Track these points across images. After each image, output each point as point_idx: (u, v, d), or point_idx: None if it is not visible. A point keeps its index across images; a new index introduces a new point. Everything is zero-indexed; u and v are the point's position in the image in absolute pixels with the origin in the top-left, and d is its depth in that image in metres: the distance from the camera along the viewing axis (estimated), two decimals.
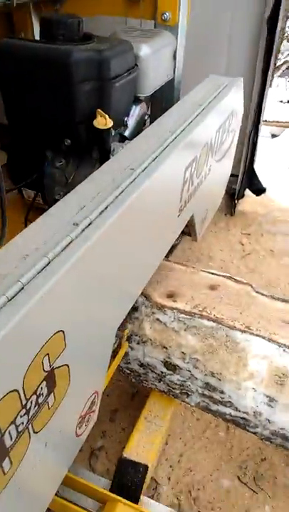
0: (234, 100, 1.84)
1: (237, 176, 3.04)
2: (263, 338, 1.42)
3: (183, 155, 1.32)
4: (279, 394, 1.35)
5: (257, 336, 1.42)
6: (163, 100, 1.89)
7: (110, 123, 1.24)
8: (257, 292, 1.61)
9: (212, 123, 1.56)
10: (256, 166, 3.20)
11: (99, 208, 0.93)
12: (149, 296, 1.56)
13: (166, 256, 1.70)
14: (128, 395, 2.06)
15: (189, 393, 1.53)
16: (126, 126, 1.53)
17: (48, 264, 0.78)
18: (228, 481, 1.78)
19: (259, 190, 3.22)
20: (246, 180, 3.11)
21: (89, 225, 0.89)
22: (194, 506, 1.69)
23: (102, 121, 1.22)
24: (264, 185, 3.20)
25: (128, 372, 1.64)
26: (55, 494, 1.34)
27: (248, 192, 3.15)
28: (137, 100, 1.62)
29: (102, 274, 0.96)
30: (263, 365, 1.38)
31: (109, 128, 1.27)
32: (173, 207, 1.39)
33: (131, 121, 1.55)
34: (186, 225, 1.83)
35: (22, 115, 1.39)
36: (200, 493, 1.74)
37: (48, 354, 0.78)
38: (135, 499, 1.43)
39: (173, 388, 1.56)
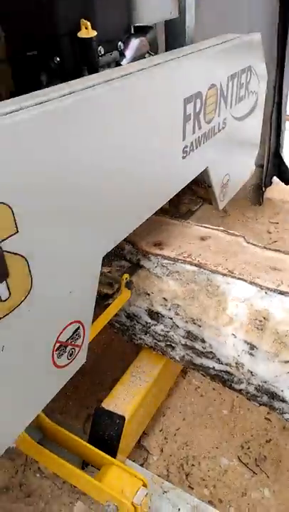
0: (249, 54, 1.79)
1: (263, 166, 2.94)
2: (245, 281, 1.31)
3: (180, 80, 1.27)
4: (259, 340, 1.23)
5: (238, 279, 1.32)
6: (169, 48, 1.84)
7: (93, 32, 1.24)
8: (248, 243, 1.51)
9: (218, 64, 1.51)
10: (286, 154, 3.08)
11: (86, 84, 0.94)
12: (136, 244, 1.54)
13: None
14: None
15: (173, 345, 1.45)
16: (123, 55, 1.49)
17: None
18: (227, 460, 1.63)
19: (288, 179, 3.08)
20: (273, 167, 3.00)
21: (70, 93, 0.88)
22: (185, 481, 1.56)
23: (85, 31, 1.25)
24: None
25: (118, 326, 1.61)
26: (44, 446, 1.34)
27: (276, 180, 3.02)
28: (136, 33, 1.60)
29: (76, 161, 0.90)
30: (243, 309, 1.27)
31: (92, 37, 1.26)
32: (174, 139, 1.32)
33: (129, 52, 1.51)
34: (205, 188, 1.80)
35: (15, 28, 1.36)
36: (194, 469, 1.60)
37: None
38: (112, 450, 1.36)
39: (158, 341, 1.49)
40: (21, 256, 0.80)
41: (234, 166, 2.00)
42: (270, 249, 1.47)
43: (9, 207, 0.74)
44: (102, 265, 1.11)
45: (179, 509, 1.43)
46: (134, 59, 1.58)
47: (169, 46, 1.83)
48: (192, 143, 1.43)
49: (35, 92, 0.89)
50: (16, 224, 0.76)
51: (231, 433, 1.72)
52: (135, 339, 1.60)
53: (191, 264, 1.41)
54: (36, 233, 0.83)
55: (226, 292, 1.32)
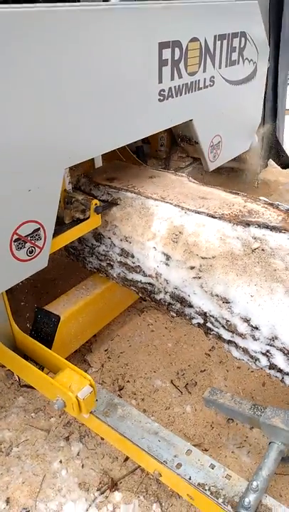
0: (243, 21, 1.86)
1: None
2: (171, 204, 1.48)
3: (156, 24, 1.37)
4: (173, 251, 1.39)
5: (166, 202, 1.49)
6: None
7: None
8: (190, 181, 1.67)
9: (202, 21, 1.60)
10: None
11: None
12: (92, 177, 1.74)
13: None
14: None
15: (112, 263, 1.63)
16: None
17: None
18: (161, 382, 1.78)
19: (286, 164, 3.16)
20: (269, 151, 3.09)
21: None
22: (116, 392, 1.73)
23: None
24: None
25: (72, 251, 1.81)
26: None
27: (271, 162, 3.12)
28: None
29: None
30: (164, 225, 1.43)
31: None
32: (149, 78, 1.41)
33: None
34: (193, 145, 1.88)
35: None
36: (128, 385, 1.77)
37: None
38: (48, 345, 1.56)
39: (101, 261, 1.68)
40: None
41: (228, 130, 2.05)
42: (206, 185, 1.63)
43: None
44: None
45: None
46: None
47: None
48: (171, 89, 1.52)
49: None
50: None
51: (171, 362, 1.87)
52: (86, 263, 1.79)
53: (131, 192, 1.60)
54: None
55: (154, 213, 1.49)
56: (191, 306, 1.39)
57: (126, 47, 1.29)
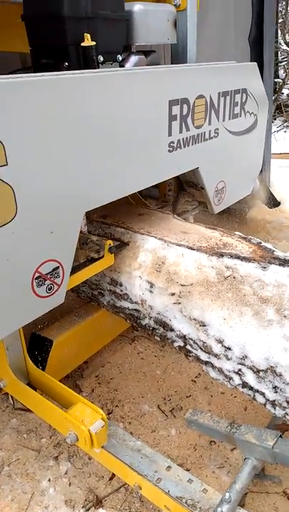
0: (244, 78, 2.07)
1: None
2: (155, 237, 1.64)
3: (166, 85, 1.53)
4: (156, 279, 1.53)
5: (151, 236, 1.65)
6: None
7: (92, 42, 1.58)
8: (174, 218, 1.85)
9: (207, 80, 1.79)
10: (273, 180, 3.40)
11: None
12: (87, 215, 1.92)
13: None
14: None
15: (102, 292, 1.77)
16: (122, 67, 1.81)
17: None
18: (148, 407, 1.86)
19: (273, 204, 3.37)
20: (258, 192, 3.31)
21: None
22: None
23: (87, 42, 1.58)
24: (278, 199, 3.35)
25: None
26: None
27: (259, 202, 3.33)
28: (138, 52, 1.91)
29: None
30: (149, 256, 1.59)
31: (92, 46, 1.58)
32: (160, 132, 1.55)
33: (128, 66, 1.83)
34: (200, 190, 2.06)
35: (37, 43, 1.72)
36: (116, 409, 1.85)
37: None
38: (42, 366, 1.67)
39: (93, 289, 1.82)
40: (8, 185, 1.03)
41: (231, 176, 2.20)
42: (189, 222, 1.80)
43: (1, 143, 0.99)
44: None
45: None
46: None
47: None
48: (179, 141, 1.67)
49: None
50: (5, 157, 1.01)
51: (158, 388, 1.96)
52: (80, 292, 1.93)
53: (121, 227, 1.77)
54: (24, 170, 1.06)
55: (140, 246, 1.65)
56: (172, 329, 1.51)
57: (140, 105, 1.45)
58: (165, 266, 1.54)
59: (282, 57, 9.21)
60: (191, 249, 1.54)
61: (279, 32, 9.38)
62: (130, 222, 1.82)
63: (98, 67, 1.65)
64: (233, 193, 2.27)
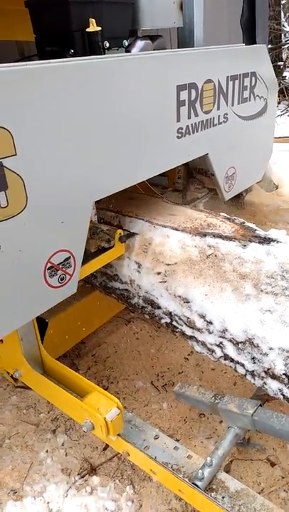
0: (254, 62, 2.03)
1: None
2: (143, 220, 1.70)
3: (173, 69, 1.49)
4: (143, 259, 1.59)
5: (139, 219, 1.71)
6: None
7: (98, 28, 1.55)
8: (164, 201, 1.90)
9: (215, 64, 1.74)
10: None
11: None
12: None
13: None
14: None
15: (95, 274, 1.84)
16: (128, 52, 1.78)
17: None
18: (142, 383, 1.95)
19: (271, 188, 3.40)
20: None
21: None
22: None
23: (92, 27, 1.54)
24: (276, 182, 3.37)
25: None
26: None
27: (256, 186, 3.35)
28: (144, 37, 1.88)
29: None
30: (137, 238, 1.65)
31: (97, 31, 1.55)
32: (168, 118, 1.52)
33: (134, 50, 1.80)
34: (209, 177, 2.05)
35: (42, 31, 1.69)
36: (112, 385, 1.94)
37: None
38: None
39: None
40: (18, 175, 1.01)
41: (241, 161, 2.16)
42: (178, 204, 1.85)
43: (10, 134, 0.97)
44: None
45: None
46: None
47: None
48: (188, 127, 1.62)
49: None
50: (14, 148, 0.99)
51: (152, 365, 2.04)
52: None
53: (111, 211, 1.83)
54: (33, 160, 1.04)
55: (128, 229, 1.71)
56: (159, 307, 1.58)
57: (147, 91, 1.41)
58: (151, 247, 1.60)
59: (286, 39, 9.06)
60: (176, 230, 1.59)
61: (282, 14, 9.22)
62: (120, 206, 1.87)
63: (104, 54, 1.59)
64: (243, 179, 2.21)
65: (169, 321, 1.57)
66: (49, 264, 1.21)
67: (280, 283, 1.30)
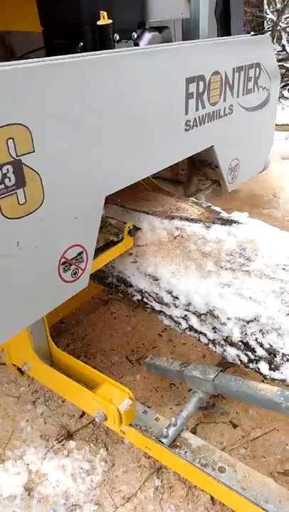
0: (258, 53, 2.04)
1: None
2: (116, 205, 1.81)
3: (182, 62, 1.49)
4: None
5: (114, 204, 1.82)
6: None
7: (109, 21, 1.53)
8: (144, 188, 2.01)
9: (222, 56, 1.75)
10: None
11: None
12: None
13: None
14: None
15: None
16: (137, 45, 1.77)
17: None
18: (118, 358, 2.07)
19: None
20: None
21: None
22: None
23: (103, 20, 1.52)
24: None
25: None
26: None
27: None
28: (151, 29, 1.87)
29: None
30: (111, 222, 1.76)
31: (108, 24, 1.53)
32: (177, 111, 1.52)
33: (142, 43, 1.80)
34: (213, 169, 2.09)
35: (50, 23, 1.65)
36: (89, 361, 2.06)
37: (12, 138, 0.93)
38: None
39: None
40: (36, 172, 1.02)
41: (244, 153, 2.18)
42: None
43: (28, 129, 0.96)
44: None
45: None
46: None
47: None
48: (195, 119, 1.63)
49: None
50: (33, 144, 0.99)
51: (128, 342, 2.17)
52: None
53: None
54: (50, 157, 1.04)
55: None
56: (131, 285, 1.70)
57: (159, 84, 1.41)
58: (138, 232, 1.71)
59: (268, 26, 9.13)
60: (147, 213, 1.71)
61: (265, 0, 9.28)
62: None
63: (114, 47, 1.58)
64: (246, 170, 2.23)
65: (140, 297, 1.69)
66: (63, 259, 1.22)
67: (238, 260, 1.44)
